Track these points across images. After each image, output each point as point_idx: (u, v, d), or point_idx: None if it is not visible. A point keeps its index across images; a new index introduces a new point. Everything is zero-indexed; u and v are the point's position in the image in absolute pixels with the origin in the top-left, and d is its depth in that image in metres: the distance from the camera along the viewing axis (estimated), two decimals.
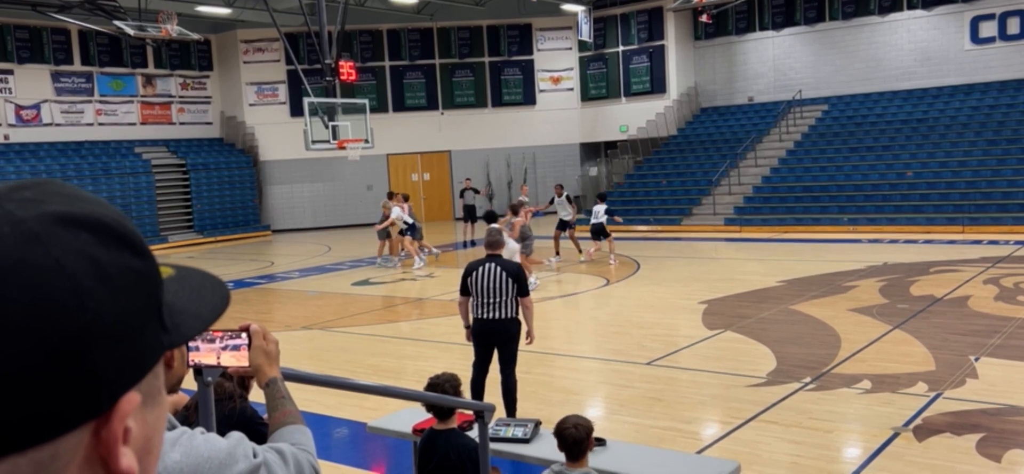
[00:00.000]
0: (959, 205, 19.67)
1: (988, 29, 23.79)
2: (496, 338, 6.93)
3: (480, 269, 6.87)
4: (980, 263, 14.27)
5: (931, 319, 10.23)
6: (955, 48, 24.32)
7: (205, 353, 1.91)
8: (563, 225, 17.43)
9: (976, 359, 8.31)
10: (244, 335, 1.91)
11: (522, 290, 6.86)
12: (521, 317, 6.96)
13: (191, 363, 1.93)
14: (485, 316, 6.88)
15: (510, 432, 5.06)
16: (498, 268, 6.84)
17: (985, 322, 9.91)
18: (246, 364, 1.91)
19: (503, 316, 6.86)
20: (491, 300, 6.83)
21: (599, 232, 16.72)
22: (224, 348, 1.91)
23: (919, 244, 17.34)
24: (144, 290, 0.61)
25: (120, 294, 0.58)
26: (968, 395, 7.23)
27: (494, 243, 7.08)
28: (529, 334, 7.03)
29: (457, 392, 4.70)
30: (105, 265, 0.58)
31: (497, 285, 6.80)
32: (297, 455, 1.73)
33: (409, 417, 5.56)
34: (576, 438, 4.13)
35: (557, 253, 17.28)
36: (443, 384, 4.67)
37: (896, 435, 6.36)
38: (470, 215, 21.78)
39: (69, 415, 0.55)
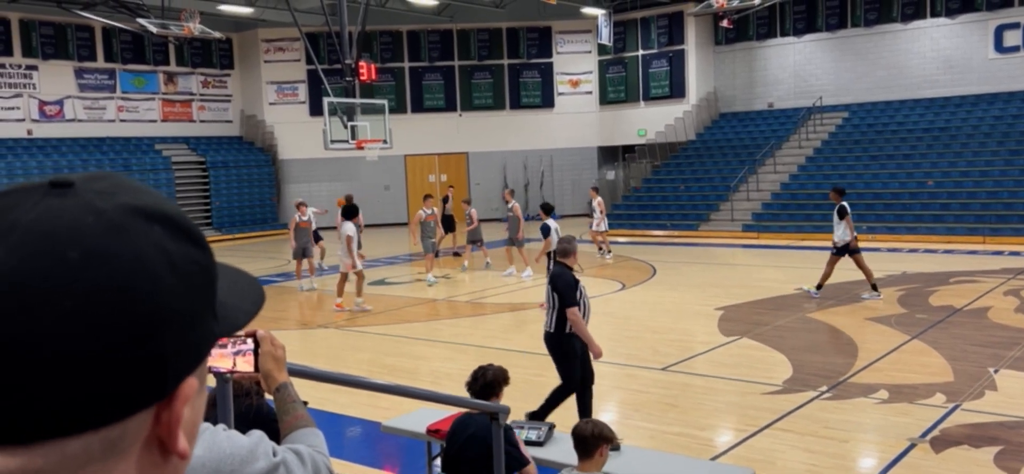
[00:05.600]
0: (980, 215, 19.48)
1: (1013, 38, 23.54)
2: (550, 353, 6.75)
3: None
4: (1001, 274, 14.13)
5: (950, 330, 10.14)
6: (978, 57, 24.08)
7: (217, 357, 1.91)
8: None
9: (995, 371, 8.23)
10: (250, 341, 1.91)
11: (562, 300, 6.49)
12: (570, 330, 6.53)
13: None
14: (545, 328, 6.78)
15: (524, 434, 5.06)
16: (550, 278, 6.78)
17: (1005, 334, 9.82)
18: (253, 369, 1.92)
19: (546, 328, 6.72)
20: (547, 310, 6.77)
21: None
22: (237, 353, 1.91)
23: (939, 254, 17.19)
24: (204, 281, 0.66)
25: (186, 284, 0.62)
26: (986, 407, 7.16)
27: (563, 251, 6.83)
28: (591, 348, 6.54)
29: (500, 385, 4.72)
30: (175, 256, 0.62)
31: (547, 294, 6.74)
32: (314, 457, 1.77)
33: (423, 417, 5.57)
34: (583, 434, 4.26)
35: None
36: (486, 377, 4.74)
37: (913, 446, 6.32)
38: (449, 225, 19.74)
39: (139, 396, 0.59)
